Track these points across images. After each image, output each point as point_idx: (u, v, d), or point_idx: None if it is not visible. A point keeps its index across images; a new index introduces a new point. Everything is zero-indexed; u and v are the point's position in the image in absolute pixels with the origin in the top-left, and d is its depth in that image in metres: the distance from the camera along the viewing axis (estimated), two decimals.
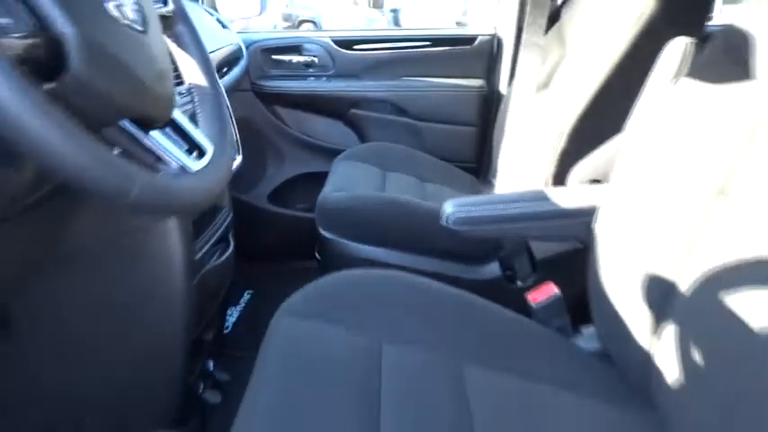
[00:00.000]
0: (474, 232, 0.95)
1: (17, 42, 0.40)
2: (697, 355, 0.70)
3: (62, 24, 0.42)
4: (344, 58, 1.84)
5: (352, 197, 1.31)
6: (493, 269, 1.27)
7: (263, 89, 1.85)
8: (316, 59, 1.85)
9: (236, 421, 0.61)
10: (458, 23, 5.86)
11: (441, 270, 1.27)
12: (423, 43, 1.84)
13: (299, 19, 11.05)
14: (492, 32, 1.82)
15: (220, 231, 1.14)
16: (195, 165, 0.55)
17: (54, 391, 1.02)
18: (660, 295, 0.76)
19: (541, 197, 0.93)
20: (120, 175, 0.42)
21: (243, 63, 1.68)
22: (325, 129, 1.91)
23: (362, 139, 1.90)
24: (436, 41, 1.84)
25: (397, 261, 1.27)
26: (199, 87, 0.67)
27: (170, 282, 0.96)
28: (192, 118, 0.65)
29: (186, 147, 0.58)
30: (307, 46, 1.85)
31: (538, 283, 0.99)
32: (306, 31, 2.05)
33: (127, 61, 0.48)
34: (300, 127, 1.91)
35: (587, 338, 0.93)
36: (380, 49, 1.85)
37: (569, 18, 1.52)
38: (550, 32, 1.59)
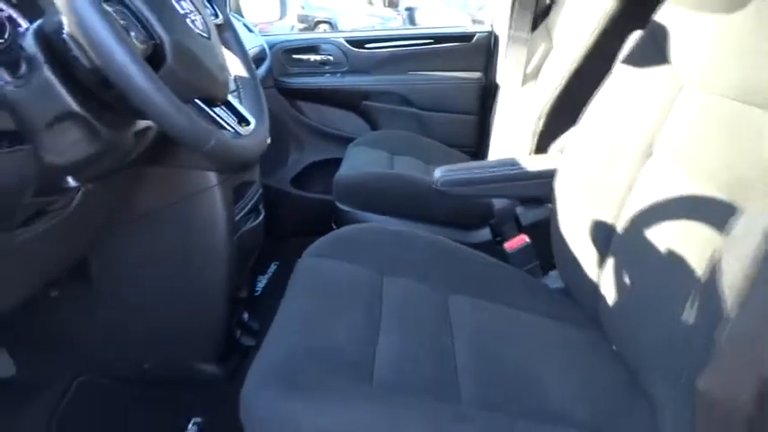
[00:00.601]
0: (458, 192, 1.16)
1: (139, 45, 0.62)
2: (630, 282, 0.90)
3: (162, 35, 0.65)
4: (357, 56, 2.07)
5: (364, 173, 1.54)
6: (484, 234, 1.48)
7: (285, 85, 2.08)
8: (331, 57, 2.08)
9: (272, 326, 0.83)
10: (474, 21, 6.03)
11: (439, 235, 1.48)
12: (427, 41, 2.06)
13: (316, 20, 11.28)
14: (489, 29, 2.03)
15: (253, 201, 1.36)
16: (245, 131, 0.77)
17: (123, 331, 1.26)
18: (603, 237, 0.96)
19: (513, 163, 1.14)
20: (203, 130, 0.64)
21: (267, 62, 1.91)
22: (340, 119, 2.14)
23: (374, 127, 2.12)
24: (439, 39, 2.05)
25: (401, 227, 1.48)
26: (242, 78, 0.90)
27: (216, 237, 1.19)
28: (238, 99, 0.87)
29: (236, 119, 0.80)
30: (323, 46, 2.08)
31: None
32: (322, 33, 2.27)
33: (201, 58, 0.71)
34: (318, 118, 2.14)
35: (553, 279, 1.14)
36: (389, 47, 2.06)
37: (556, 15, 1.72)
38: (540, 28, 1.79)
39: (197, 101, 0.73)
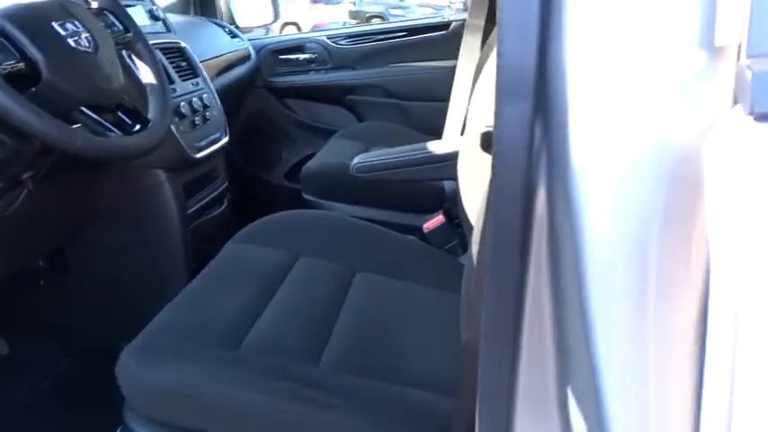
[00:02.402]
0: (373, 177, 1.24)
1: (7, 68, 0.75)
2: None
3: (35, 54, 0.77)
4: (339, 52, 2.16)
5: (322, 164, 1.63)
6: (437, 217, 1.55)
7: (274, 85, 2.20)
8: (316, 56, 2.18)
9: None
10: None
11: (396, 220, 1.55)
12: (404, 32, 2.12)
13: (367, 15, 11.40)
14: (464, 18, 2.06)
15: (215, 194, 1.49)
16: (131, 132, 0.89)
17: (98, 315, 1.42)
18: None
19: (423, 148, 1.21)
20: (68, 133, 0.76)
21: (250, 63, 2.04)
22: (327, 114, 2.24)
23: (360, 120, 2.21)
24: (415, 30, 2.11)
25: (360, 213, 1.56)
26: (150, 84, 1.01)
27: (169, 227, 1.32)
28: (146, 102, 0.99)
29: (131, 121, 0.92)
30: (308, 45, 2.18)
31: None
32: (305, 33, 2.38)
33: (80, 72, 0.83)
34: (307, 114, 2.26)
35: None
36: (369, 42, 2.14)
37: None
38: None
39: (83, 108, 0.85)
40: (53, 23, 0.82)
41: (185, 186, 1.36)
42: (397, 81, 2.13)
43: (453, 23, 2.07)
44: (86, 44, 0.86)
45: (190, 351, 0.80)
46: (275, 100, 2.24)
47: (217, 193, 1.51)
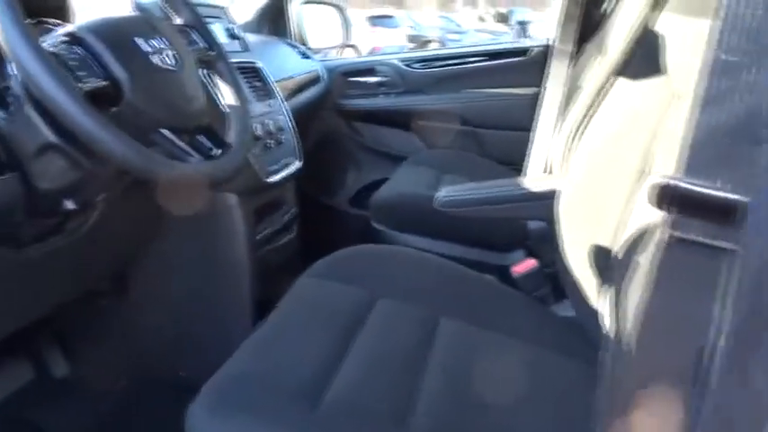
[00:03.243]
0: (459, 213, 1.14)
1: (91, 84, 0.69)
2: (621, 315, 0.84)
3: (119, 73, 0.72)
4: (411, 76, 2.09)
5: (397, 193, 1.55)
6: (518, 256, 1.43)
7: (344, 107, 2.15)
8: (388, 78, 2.12)
9: (242, 344, 0.86)
10: None
11: (471, 256, 1.45)
12: (481, 58, 2.03)
13: (424, 39, 11.47)
14: (545, 43, 1.96)
15: (285, 221, 1.43)
16: (210, 157, 0.83)
17: (159, 340, 1.37)
18: (602, 262, 0.90)
19: (517, 185, 1.10)
20: (147, 159, 0.70)
21: (321, 85, 1.99)
22: (396, 139, 2.16)
23: (430, 146, 2.13)
24: (493, 55, 2.02)
25: (434, 248, 1.47)
26: (231, 106, 0.95)
27: (237, 253, 1.26)
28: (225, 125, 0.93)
29: (211, 145, 0.86)
30: (378, 68, 2.12)
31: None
32: (378, 55, 2.32)
33: (162, 92, 0.77)
34: (375, 139, 2.19)
35: (566, 306, 1.07)
36: (442, 66, 2.06)
37: (610, 25, 1.63)
38: (594, 40, 1.71)
39: (163, 131, 0.79)
40: (138, 39, 0.77)
41: (255, 211, 1.30)
42: (472, 107, 2.04)
43: (533, 49, 1.97)
44: (170, 62, 0.80)
45: (266, 409, 0.71)
46: (343, 123, 2.18)
47: (287, 219, 1.44)
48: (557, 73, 1.55)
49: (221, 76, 0.97)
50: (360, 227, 2.10)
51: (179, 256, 1.27)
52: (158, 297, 1.34)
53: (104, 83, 0.72)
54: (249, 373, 0.77)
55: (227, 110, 0.94)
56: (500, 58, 2.01)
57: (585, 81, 1.55)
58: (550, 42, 1.96)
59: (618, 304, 0.85)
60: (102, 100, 0.71)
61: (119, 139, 0.67)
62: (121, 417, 1.33)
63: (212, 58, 0.96)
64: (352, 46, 2.79)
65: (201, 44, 0.95)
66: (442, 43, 11.18)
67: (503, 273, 1.32)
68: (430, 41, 11.43)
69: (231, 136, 0.90)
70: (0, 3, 0.61)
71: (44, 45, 0.68)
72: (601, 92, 1.24)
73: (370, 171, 2.20)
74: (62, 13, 0.98)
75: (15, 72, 0.67)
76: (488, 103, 2.02)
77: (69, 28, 0.74)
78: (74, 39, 0.72)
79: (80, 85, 0.67)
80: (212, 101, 0.96)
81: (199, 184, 0.79)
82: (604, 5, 1.73)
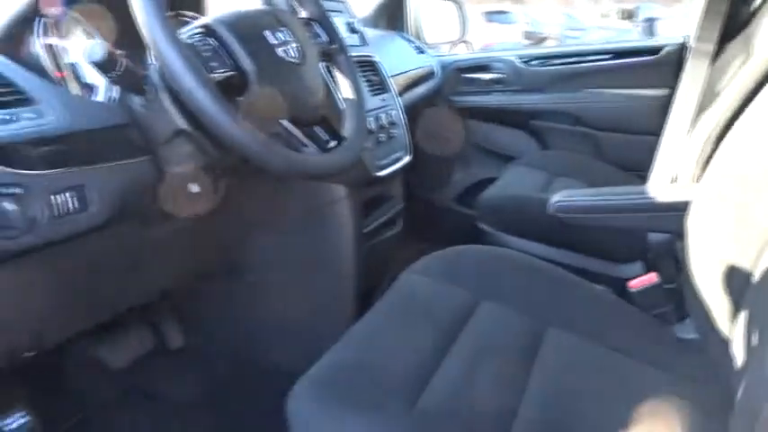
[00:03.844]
0: (575, 220, 1.07)
1: (221, 74, 0.72)
2: (759, 345, 0.75)
3: (247, 64, 0.74)
4: (529, 74, 2.01)
5: (506, 195, 1.50)
6: (636, 269, 1.34)
7: (455, 104, 2.12)
8: (504, 76, 2.05)
9: (344, 335, 0.87)
10: None
11: (585, 266, 1.38)
12: (606, 56, 1.92)
13: (540, 36, 11.09)
14: (681, 41, 1.81)
15: (389, 215, 1.43)
16: (327, 149, 0.84)
17: (266, 325, 1.42)
18: (738, 286, 0.82)
19: (639, 192, 1.02)
20: (267, 149, 0.72)
21: (434, 80, 1.97)
22: (507, 138, 2.10)
23: (543, 147, 2.05)
24: (620, 53, 1.90)
25: (543, 253, 1.41)
26: (348, 99, 0.96)
27: (344, 245, 1.28)
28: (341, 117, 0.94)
29: (328, 137, 0.87)
30: (494, 64, 2.06)
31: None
32: (494, 51, 2.26)
33: (285, 83, 0.79)
34: (486, 137, 2.14)
35: (686, 328, 0.98)
36: (562, 64, 1.97)
37: (757, 24, 1.48)
38: (738, 39, 1.55)
39: (284, 122, 0.81)
40: (266, 32, 0.79)
41: (363, 204, 1.31)
42: (591, 108, 1.93)
43: (666, 48, 1.83)
44: (294, 55, 0.82)
45: (365, 400, 0.71)
46: (454, 119, 2.15)
47: (392, 213, 1.44)
48: (694, 74, 1.42)
49: (340, 70, 0.98)
50: (464, 226, 2.07)
51: (289, 245, 1.31)
52: (268, 284, 1.39)
53: (233, 73, 0.74)
54: (351, 364, 0.78)
55: (344, 103, 0.95)
56: (626, 57, 1.88)
57: (726, 84, 1.42)
58: (687, 41, 1.81)
59: (753, 331, 0.77)
60: (229, 89, 0.74)
61: (241, 128, 0.69)
62: (226, 393, 1.40)
63: (333, 52, 0.98)
64: (465, 41, 2.73)
65: (324, 37, 0.96)
66: (560, 41, 10.74)
67: (617, 285, 1.24)
68: (546, 38, 11.03)
69: (347, 129, 0.91)
70: None
71: (181, 37, 0.72)
72: (747, 96, 1.13)
73: (479, 169, 2.15)
74: (198, 6, 1.04)
75: (154, 62, 0.71)
76: (610, 104, 1.91)
77: (204, 20, 0.78)
78: (208, 30, 0.75)
79: (211, 75, 0.70)
80: (331, 94, 0.97)
81: (312, 175, 0.80)
82: (754, 3, 1.57)
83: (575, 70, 1.95)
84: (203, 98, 0.66)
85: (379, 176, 1.26)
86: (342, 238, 1.27)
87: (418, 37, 2.15)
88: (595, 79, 1.93)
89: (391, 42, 1.90)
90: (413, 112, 1.89)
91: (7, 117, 0.68)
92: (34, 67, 0.79)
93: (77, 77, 0.83)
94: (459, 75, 2.12)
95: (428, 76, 1.95)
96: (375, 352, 0.81)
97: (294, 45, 0.83)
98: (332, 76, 1.01)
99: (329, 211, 1.26)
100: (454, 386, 0.77)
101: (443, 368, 0.80)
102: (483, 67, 2.09)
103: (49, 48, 0.81)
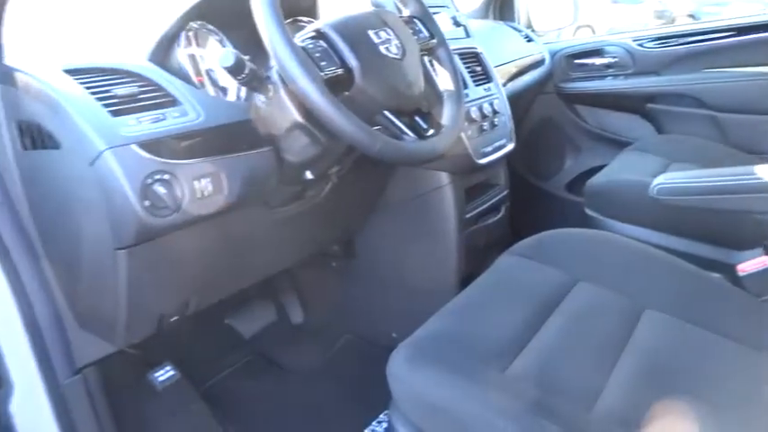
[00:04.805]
0: (678, 202, 1.05)
1: (330, 73, 0.82)
2: None
3: (352, 61, 0.83)
4: (644, 56, 1.94)
5: (613, 180, 1.48)
6: (753, 255, 1.27)
7: (565, 90, 2.09)
8: (616, 60, 2.00)
9: (442, 307, 0.94)
10: None
11: (698, 252, 1.32)
12: (728, 33, 1.80)
13: (672, 15, 10.32)
14: None
15: (493, 201, 1.47)
16: (425, 137, 0.91)
17: (376, 302, 1.53)
18: None
19: (749, 173, 0.98)
20: (371, 137, 0.80)
21: (542, 68, 1.97)
22: (622, 124, 2.04)
23: (659, 131, 1.96)
24: (746, 29, 1.77)
25: (652, 239, 1.37)
26: (447, 90, 1.03)
27: (446, 230, 1.35)
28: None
29: (426, 126, 0.94)
30: (607, 48, 2.01)
31: None
32: (607, 35, 2.20)
33: (387, 78, 0.87)
34: (598, 123, 2.09)
35: None
36: (681, 45, 1.88)
37: None
38: None
39: (385, 112, 0.89)
40: (369, 32, 0.88)
41: (466, 191, 1.37)
42: (713, 89, 1.82)
43: None
44: (395, 51, 0.90)
45: (460, 365, 0.78)
46: (565, 106, 2.13)
47: (496, 200, 1.49)
48: None
49: (440, 63, 1.05)
50: (574, 213, 2.05)
51: (397, 228, 1.40)
52: (378, 265, 1.50)
53: (340, 70, 0.84)
54: (445, 333, 0.85)
55: (444, 94, 1.01)
56: (751, 33, 1.76)
57: None
58: None
59: None
60: (338, 85, 0.83)
61: (348, 119, 0.78)
62: (341, 365, 1.53)
63: (434, 46, 1.04)
64: (587, 26, 2.66)
65: (425, 33, 1.03)
66: (695, 18, 9.90)
67: (734, 274, 1.19)
68: (680, 17, 10.17)
69: (445, 118, 0.97)
70: (267, 9, 0.76)
71: (295, 41, 0.82)
72: None
73: (591, 157, 2.11)
74: (312, 12, 1.15)
75: (273, 64, 0.82)
76: (734, 83, 1.79)
77: (316, 24, 0.88)
78: (318, 34, 0.85)
79: (321, 73, 0.80)
80: (431, 85, 1.04)
81: (411, 161, 0.87)
82: None
83: (695, 50, 1.86)
84: (314, 94, 0.76)
85: (482, 164, 1.31)
86: (444, 223, 1.34)
87: (529, 26, 2.15)
88: (717, 58, 1.82)
89: (499, 33, 1.92)
90: (521, 100, 1.91)
91: (159, 116, 0.82)
92: (179, 73, 0.93)
93: (213, 81, 0.98)
94: (569, 61, 2.09)
95: (537, 64, 1.95)
96: (469, 323, 0.87)
97: (395, 42, 0.90)
98: (433, 69, 1.07)
99: (434, 196, 1.33)
100: (544, 357, 0.81)
101: (535, 341, 0.84)
102: (595, 52, 2.05)
103: (191, 57, 0.96)
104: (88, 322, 0.94)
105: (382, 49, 0.88)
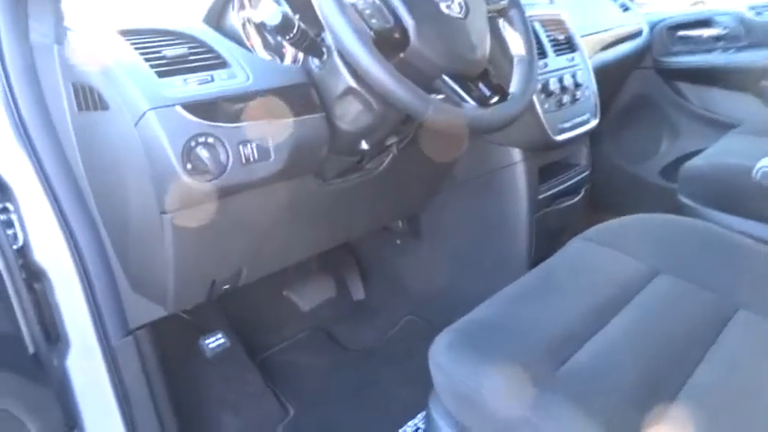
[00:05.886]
0: None
1: (382, 31, 0.75)
2: None
3: (407, 19, 0.76)
4: (760, 27, 1.72)
5: (712, 164, 1.31)
6: None
7: (665, 65, 1.90)
8: (727, 31, 1.78)
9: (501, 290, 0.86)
10: None
11: None
12: None
13: None
14: None
15: (571, 183, 1.36)
16: (488, 105, 0.83)
17: (442, 282, 1.46)
18: None
19: None
20: (422, 101, 0.73)
21: (639, 40, 1.79)
22: (730, 103, 1.83)
23: None
24: None
25: (757, 232, 1.21)
26: (519, 54, 0.93)
27: (516, 210, 1.25)
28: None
29: (490, 92, 0.86)
30: (717, 18, 1.80)
31: None
32: (717, 4, 1.97)
33: (447, 39, 0.80)
34: (702, 102, 1.89)
35: None
36: None
37: None
38: None
39: (444, 77, 0.82)
40: None
41: (541, 170, 1.27)
42: None
43: None
44: (458, 10, 0.82)
45: (507, 357, 0.70)
46: (663, 83, 1.93)
47: (574, 181, 1.37)
48: None
49: (512, 26, 0.96)
50: (668, 202, 1.87)
51: (464, 206, 1.33)
52: (444, 245, 1.43)
53: (394, 30, 0.77)
54: (495, 320, 0.78)
55: (515, 59, 0.92)
56: None
57: None
58: None
59: None
60: (391, 46, 0.77)
61: (396, 79, 0.72)
62: (401, 345, 1.48)
63: (505, 7, 0.95)
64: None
65: None
66: None
67: None
68: None
69: (513, 85, 0.89)
70: None
71: None
72: None
73: (692, 140, 1.91)
74: None
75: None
76: None
77: None
78: None
79: (371, 31, 0.74)
80: (501, 49, 0.95)
81: (468, 130, 0.80)
82: None
83: None
84: (361, 54, 0.70)
85: (559, 141, 1.20)
86: (514, 203, 1.25)
87: None
88: None
89: (591, 1, 1.77)
90: (612, 74, 1.75)
91: (207, 78, 0.79)
92: (233, 36, 0.90)
93: (267, 44, 0.94)
94: (671, 33, 1.89)
95: (633, 35, 1.78)
96: (525, 311, 0.79)
97: (458, 1, 0.82)
98: (505, 33, 0.98)
99: (504, 174, 1.24)
100: (607, 357, 0.72)
101: (598, 337, 0.75)
102: (702, 23, 1.84)
103: (246, 20, 0.92)
104: (140, 285, 0.95)
105: (443, 6, 0.80)
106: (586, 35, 1.51)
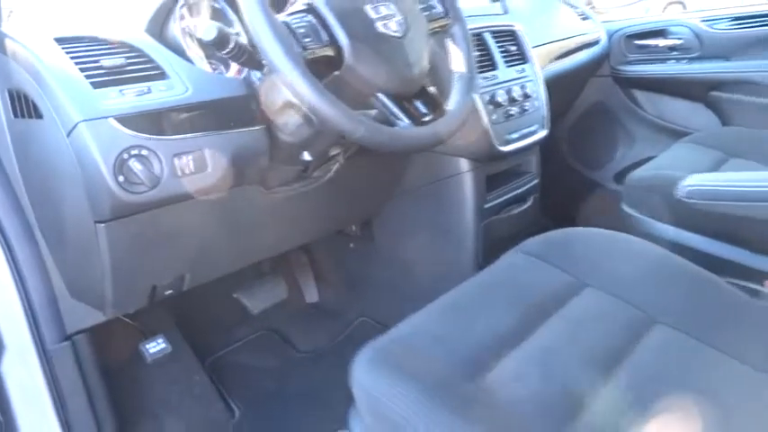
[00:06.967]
0: (708, 207, 0.94)
1: (316, 51, 0.76)
2: None
3: (341, 38, 0.78)
4: (712, 39, 1.76)
5: (655, 174, 1.35)
6: None
7: (622, 74, 1.94)
8: (681, 42, 1.82)
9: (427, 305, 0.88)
10: None
11: (736, 258, 1.19)
12: None
13: None
14: None
15: (519, 191, 1.38)
16: (419, 122, 0.84)
17: (393, 286, 1.48)
18: None
19: None
20: (353, 122, 0.75)
21: (597, 49, 1.82)
22: (682, 112, 1.87)
23: (725, 123, 1.79)
24: None
25: (688, 242, 1.24)
26: (458, 72, 0.95)
27: (463, 218, 1.28)
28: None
29: (426, 110, 0.88)
30: (672, 29, 1.84)
31: None
32: (672, 16, 2.01)
33: (382, 58, 0.81)
34: (656, 110, 1.93)
35: None
36: (757, 26, 1.68)
37: None
38: None
39: (379, 95, 0.83)
40: (367, 6, 0.82)
41: (490, 178, 1.29)
42: None
43: None
44: (395, 28, 0.83)
45: (428, 373, 0.72)
46: (620, 91, 1.97)
47: (523, 189, 1.40)
48: None
49: (454, 42, 0.97)
50: (614, 207, 1.91)
51: (414, 213, 1.35)
52: (397, 249, 1.45)
53: (328, 49, 0.78)
54: (420, 334, 0.79)
55: (454, 76, 0.94)
56: None
57: None
58: None
59: None
60: (325, 64, 0.78)
61: (330, 104, 0.73)
62: (353, 348, 1.50)
63: (448, 23, 0.96)
64: (679, 2, 2.44)
65: (439, 8, 0.96)
66: None
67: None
68: None
69: (450, 103, 0.90)
70: None
71: (282, 15, 0.77)
72: None
73: (646, 147, 1.96)
74: None
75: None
76: None
77: None
78: (309, 8, 0.79)
79: (303, 50, 0.74)
80: (440, 66, 0.96)
81: (400, 148, 0.82)
82: None
83: None
84: (292, 76, 0.71)
85: (505, 151, 1.22)
86: (461, 211, 1.27)
87: (589, 2, 2.00)
88: None
89: (548, 10, 1.79)
90: (570, 82, 1.78)
91: (144, 89, 0.80)
92: (174, 47, 0.91)
93: (212, 54, 0.95)
94: (629, 42, 1.93)
95: (589, 44, 1.81)
96: (451, 324, 0.81)
97: (397, 18, 0.84)
98: (446, 49, 1.00)
99: (452, 183, 1.27)
100: (528, 365, 0.74)
101: (521, 348, 0.77)
102: (658, 33, 1.88)
103: (185, 30, 0.93)
104: (78, 291, 0.95)
105: (379, 25, 0.82)
106: (544, 44, 1.53)
